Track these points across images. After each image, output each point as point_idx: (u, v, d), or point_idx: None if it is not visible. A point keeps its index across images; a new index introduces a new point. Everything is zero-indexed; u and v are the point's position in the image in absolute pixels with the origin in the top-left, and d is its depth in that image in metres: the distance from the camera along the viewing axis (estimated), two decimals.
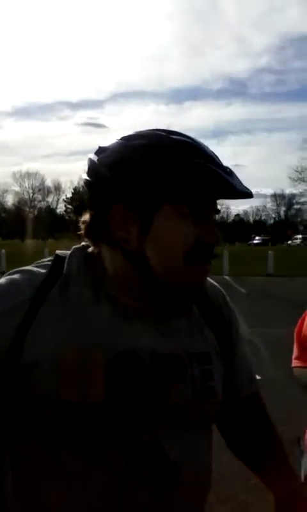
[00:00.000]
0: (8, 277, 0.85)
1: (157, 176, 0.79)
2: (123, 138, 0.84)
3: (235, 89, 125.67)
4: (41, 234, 62.95)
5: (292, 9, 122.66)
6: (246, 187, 0.82)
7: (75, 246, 0.92)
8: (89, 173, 0.86)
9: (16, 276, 0.85)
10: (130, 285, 0.84)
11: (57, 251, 0.91)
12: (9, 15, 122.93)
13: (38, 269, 0.87)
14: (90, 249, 0.89)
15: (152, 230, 0.80)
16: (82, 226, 0.89)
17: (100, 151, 0.85)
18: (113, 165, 0.81)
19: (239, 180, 0.82)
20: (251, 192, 0.82)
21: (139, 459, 0.79)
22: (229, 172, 0.81)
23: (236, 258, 19.24)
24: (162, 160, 0.79)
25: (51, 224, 70.26)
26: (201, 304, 0.94)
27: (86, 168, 0.87)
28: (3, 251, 17.72)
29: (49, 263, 0.88)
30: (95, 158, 0.85)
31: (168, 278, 0.82)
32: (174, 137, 0.82)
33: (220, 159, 0.83)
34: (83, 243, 0.92)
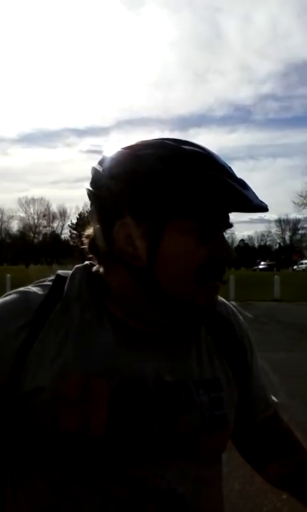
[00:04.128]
0: (5, 299, 0.80)
1: (168, 189, 0.74)
2: (128, 148, 0.79)
3: (239, 116, 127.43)
4: (45, 259, 63.17)
5: (296, 37, 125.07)
6: (261, 201, 0.77)
7: (77, 265, 0.86)
8: (92, 184, 0.81)
9: (13, 298, 0.80)
10: (136, 306, 0.79)
11: (59, 271, 0.86)
12: (16, 43, 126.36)
13: (37, 290, 0.81)
14: (94, 269, 0.84)
15: (162, 246, 0.75)
16: (86, 241, 0.84)
17: (104, 161, 0.81)
18: (119, 176, 0.76)
19: (254, 192, 0.77)
20: (266, 205, 0.77)
21: (144, 494, 0.73)
22: (243, 184, 0.76)
23: (242, 283, 19.17)
24: (173, 172, 0.74)
25: (56, 250, 70.54)
26: (210, 325, 0.88)
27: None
28: (8, 275, 17.77)
29: (50, 283, 0.83)
30: (100, 168, 0.80)
31: (178, 298, 0.77)
32: (185, 147, 0.77)
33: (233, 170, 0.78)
34: (86, 262, 0.87)
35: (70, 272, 0.85)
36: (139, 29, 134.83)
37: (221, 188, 0.74)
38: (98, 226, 0.81)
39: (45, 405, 0.72)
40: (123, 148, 0.79)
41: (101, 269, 0.83)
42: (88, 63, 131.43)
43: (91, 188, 0.81)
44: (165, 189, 0.74)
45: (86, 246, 0.85)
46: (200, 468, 0.79)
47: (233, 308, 0.96)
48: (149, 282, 0.77)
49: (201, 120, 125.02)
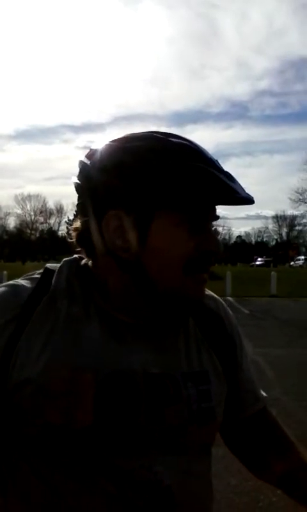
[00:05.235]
0: None
1: (157, 181, 0.74)
2: (116, 141, 0.79)
3: (236, 112, 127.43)
4: (42, 256, 63.15)
5: (292, 33, 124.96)
6: (248, 193, 0.78)
7: (65, 259, 0.86)
8: (80, 176, 0.81)
9: (1, 291, 0.80)
10: (125, 298, 0.79)
11: (47, 264, 0.86)
12: (14, 40, 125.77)
13: (25, 283, 0.81)
14: (82, 262, 0.84)
15: (150, 237, 0.75)
16: (74, 235, 0.83)
17: (92, 154, 0.80)
18: (108, 169, 0.76)
19: (240, 185, 0.77)
20: (252, 198, 0.78)
21: (131, 486, 0.73)
22: (230, 177, 0.76)
23: (239, 279, 19.21)
24: (161, 164, 0.74)
25: (53, 246, 70.45)
26: (199, 318, 0.88)
27: (77, 171, 0.82)
28: (5, 272, 17.77)
29: (38, 276, 0.83)
30: (87, 161, 0.80)
31: (167, 289, 0.77)
32: (173, 139, 0.77)
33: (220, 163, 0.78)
34: (75, 255, 0.86)
35: (58, 265, 0.84)
36: (135, 25, 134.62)
37: (209, 180, 0.74)
38: (86, 219, 0.80)
39: (31, 397, 0.73)
40: (111, 141, 0.79)
41: (89, 262, 0.83)
42: (85, 59, 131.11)
43: (79, 181, 0.81)
44: (154, 181, 0.74)
45: (73, 240, 0.84)
46: (188, 461, 0.79)
47: (223, 303, 0.96)
48: (139, 274, 0.77)
49: (198, 116, 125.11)
